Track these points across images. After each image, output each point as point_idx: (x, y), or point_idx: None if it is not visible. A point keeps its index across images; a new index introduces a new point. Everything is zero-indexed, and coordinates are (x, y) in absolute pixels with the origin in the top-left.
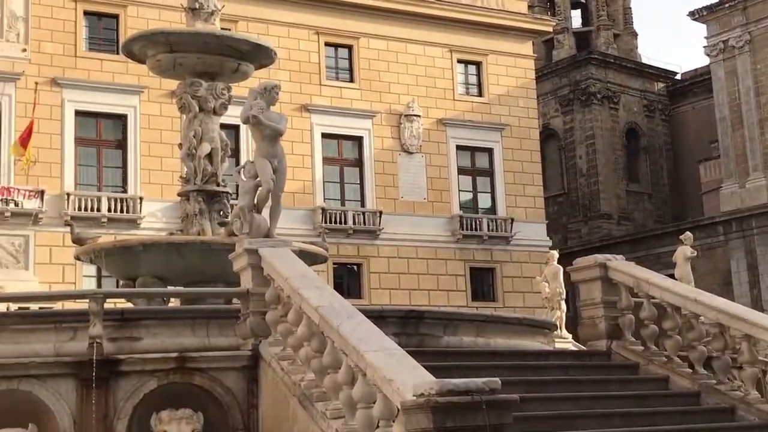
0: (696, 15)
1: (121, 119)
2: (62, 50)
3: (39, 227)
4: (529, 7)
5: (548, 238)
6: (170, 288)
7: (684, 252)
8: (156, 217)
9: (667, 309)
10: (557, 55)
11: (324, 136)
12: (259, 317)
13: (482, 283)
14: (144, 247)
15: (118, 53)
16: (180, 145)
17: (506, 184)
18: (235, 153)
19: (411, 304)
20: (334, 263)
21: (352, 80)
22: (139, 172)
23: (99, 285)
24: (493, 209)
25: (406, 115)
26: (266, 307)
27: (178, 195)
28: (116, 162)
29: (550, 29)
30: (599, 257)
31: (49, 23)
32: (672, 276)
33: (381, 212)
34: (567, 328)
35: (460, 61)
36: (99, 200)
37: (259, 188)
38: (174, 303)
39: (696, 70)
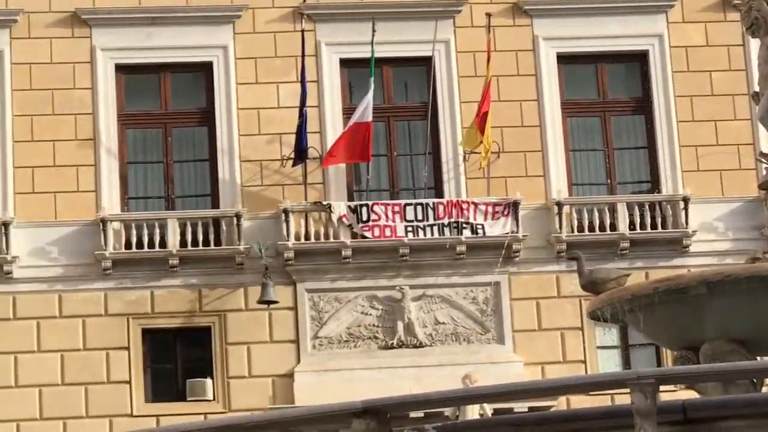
0: None
1: None
2: None
3: (515, 267)
4: None
5: None
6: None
7: None
8: (715, 230)
9: None
10: None
11: None
12: None
13: None
14: (708, 287)
15: None
16: (755, 95)
17: None
18: None
19: None
20: None
21: None
22: (678, 155)
23: (626, 362)
24: None
25: None
26: None
27: (761, 188)
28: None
29: None
30: None
31: None
32: None
33: None
34: None
35: None
36: (613, 209)
37: None
38: None
39: None
